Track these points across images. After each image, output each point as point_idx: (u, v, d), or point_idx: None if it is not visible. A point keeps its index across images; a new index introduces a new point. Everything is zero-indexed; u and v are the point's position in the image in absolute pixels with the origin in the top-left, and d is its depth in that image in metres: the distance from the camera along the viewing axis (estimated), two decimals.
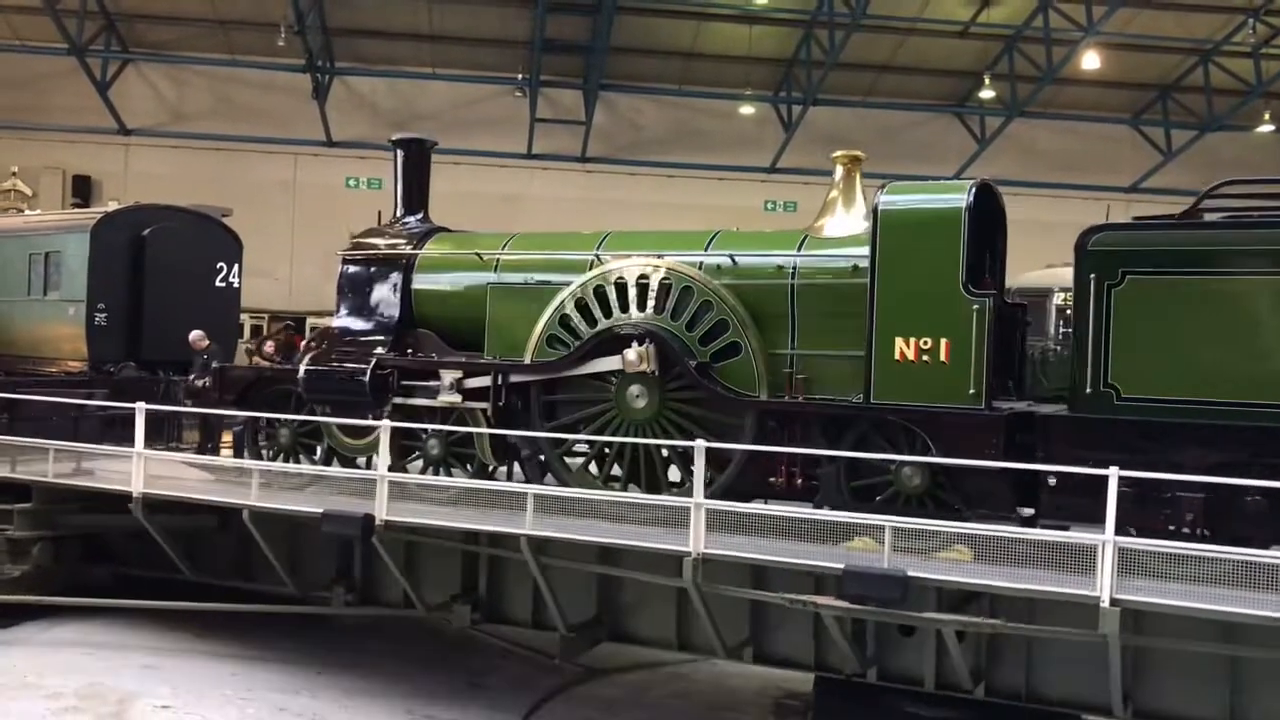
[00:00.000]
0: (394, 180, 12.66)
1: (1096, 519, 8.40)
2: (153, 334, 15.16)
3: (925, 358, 9.29)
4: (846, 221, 10.49)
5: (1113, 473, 7.68)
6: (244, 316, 21.22)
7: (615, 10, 26.75)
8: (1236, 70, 29.02)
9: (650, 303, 10.49)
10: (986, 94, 30.25)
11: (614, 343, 10.46)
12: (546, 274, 11.17)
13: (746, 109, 31.16)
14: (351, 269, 12.29)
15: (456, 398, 11.05)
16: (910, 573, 8.11)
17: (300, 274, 29.24)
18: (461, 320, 11.64)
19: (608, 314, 10.56)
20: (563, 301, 10.77)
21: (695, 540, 8.81)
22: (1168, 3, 27.01)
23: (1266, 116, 31.03)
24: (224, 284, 16.51)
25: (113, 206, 17.57)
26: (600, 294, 10.68)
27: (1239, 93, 29.56)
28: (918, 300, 9.36)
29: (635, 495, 10.08)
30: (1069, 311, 14.39)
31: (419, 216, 12.62)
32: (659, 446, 10.40)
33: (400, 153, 12.62)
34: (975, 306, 9.21)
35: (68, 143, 30.17)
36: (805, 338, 10.21)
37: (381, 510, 10.04)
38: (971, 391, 9.16)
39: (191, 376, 13.47)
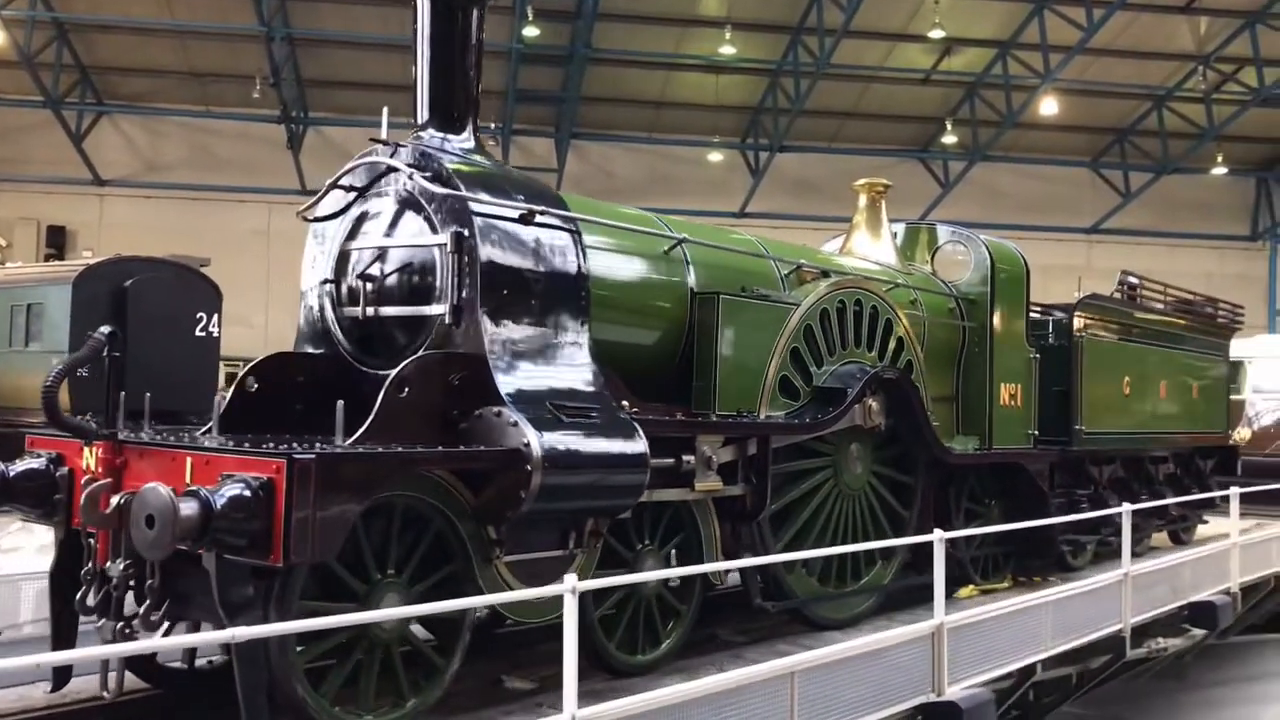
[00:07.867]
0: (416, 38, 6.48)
1: None
2: (134, 384, 15.30)
3: (1014, 402, 9.94)
4: (877, 250, 10.07)
5: None
6: (221, 365, 21.30)
7: (587, 62, 27.31)
8: (1190, 115, 29.91)
9: (864, 334, 8.51)
10: (949, 139, 30.95)
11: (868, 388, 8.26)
12: (754, 281, 7.92)
13: (715, 155, 31.77)
14: (500, 224, 6.13)
15: (716, 482, 7.08)
16: None
17: (275, 321, 29.34)
18: (645, 349, 7.25)
19: (831, 348, 8.19)
20: (798, 327, 7.83)
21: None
22: (1122, 50, 27.83)
23: (1219, 159, 31.91)
24: (204, 334, 16.66)
25: (88, 256, 17.69)
26: (825, 319, 8.17)
27: (1193, 136, 30.46)
28: (1009, 346, 10.07)
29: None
30: None
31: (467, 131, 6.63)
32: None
33: None
34: (1033, 356, 10.25)
35: (43, 194, 30.26)
36: (930, 379, 9.14)
37: None
38: (1034, 433, 10.13)
39: None
